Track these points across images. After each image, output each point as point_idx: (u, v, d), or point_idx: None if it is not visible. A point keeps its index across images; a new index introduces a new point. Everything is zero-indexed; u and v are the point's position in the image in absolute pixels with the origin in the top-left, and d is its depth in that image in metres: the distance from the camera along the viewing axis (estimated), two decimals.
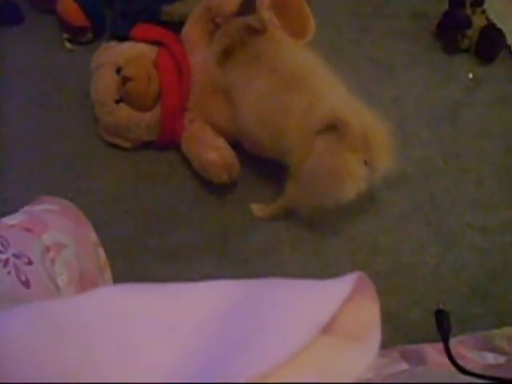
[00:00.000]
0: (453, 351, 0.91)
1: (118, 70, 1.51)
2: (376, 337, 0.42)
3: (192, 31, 1.55)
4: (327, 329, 0.40)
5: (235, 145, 1.48)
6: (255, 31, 1.37)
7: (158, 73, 1.50)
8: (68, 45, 1.84)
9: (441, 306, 1.22)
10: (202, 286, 0.48)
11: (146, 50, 1.55)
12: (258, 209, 1.48)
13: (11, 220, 0.86)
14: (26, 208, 0.97)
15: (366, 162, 1.24)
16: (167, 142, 1.56)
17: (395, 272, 1.41)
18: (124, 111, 1.51)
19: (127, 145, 1.57)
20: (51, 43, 1.85)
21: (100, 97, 1.52)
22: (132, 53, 1.54)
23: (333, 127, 1.21)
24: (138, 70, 1.48)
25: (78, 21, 1.78)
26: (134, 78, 1.48)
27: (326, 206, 1.29)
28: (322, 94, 1.27)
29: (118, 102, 1.51)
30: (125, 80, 1.48)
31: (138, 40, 1.57)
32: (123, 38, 1.60)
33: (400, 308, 1.35)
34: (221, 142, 1.46)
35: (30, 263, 0.75)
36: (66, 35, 1.83)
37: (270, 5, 1.41)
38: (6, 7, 1.88)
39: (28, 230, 0.82)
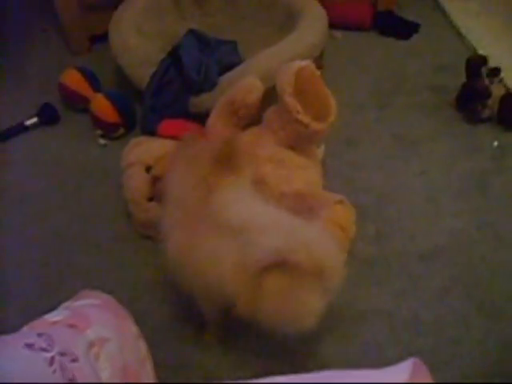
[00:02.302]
0: None
1: (148, 169, 1.55)
2: None
3: (215, 124, 1.57)
4: None
5: None
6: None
7: None
8: (101, 140, 1.93)
9: None
10: None
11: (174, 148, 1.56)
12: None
13: (54, 317, 0.87)
14: (67, 303, 0.98)
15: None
16: None
17: (439, 348, 1.36)
18: (157, 209, 1.52)
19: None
20: (85, 139, 1.95)
21: (133, 196, 1.56)
22: (160, 151, 1.57)
23: (279, 265, 1.10)
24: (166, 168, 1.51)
25: (109, 117, 1.88)
26: (164, 177, 1.49)
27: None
28: (258, 231, 1.14)
29: (150, 199, 1.55)
30: (155, 179, 1.52)
31: (164, 137, 1.61)
32: (153, 132, 1.66)
33: None
34: None
35: (75, 360, 0.76)
36: (99, 131, 1.93)
37: (292, 92, 1.45)
38: (44, 109, 2.00)
39: (72, 326, 0.83)
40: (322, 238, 1.16)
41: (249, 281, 1.13)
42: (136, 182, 1.55)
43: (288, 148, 1.51)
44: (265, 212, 1.21)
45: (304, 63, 1.49)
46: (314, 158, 1.59)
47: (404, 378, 0.41)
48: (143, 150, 1.60)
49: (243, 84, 1.56)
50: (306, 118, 1.44)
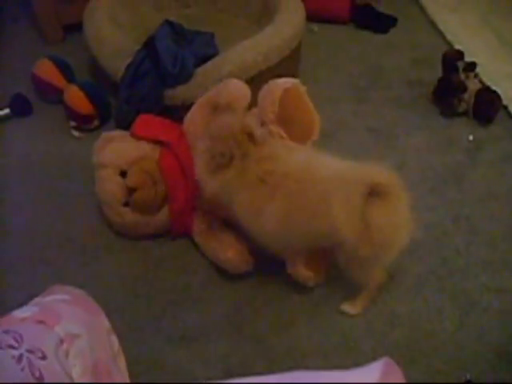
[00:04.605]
0: None
1: (123, 173, 1.50)
2: None
3: (195, 124, 1.52)
4: None
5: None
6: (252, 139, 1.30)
7: (162, 175, 1.49)
8: (75, 133, 1.89)
9: (468, 377, 1.17)
10: None
11: (148, 151, 1.52)
12: (351, 307, 1.42)
13: (23, 313, 0.85)
14: (37, 299, 0.96)
15: None
16: (179, 235, 1.58)
17: (414, 341, 1.37)
18: (131, 215, 1.51)
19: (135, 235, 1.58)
20: (59, 131, 1.92)
21: (107, 199, 1.52)
22: (134, 155, 1.52)
23: (372, 194, 1.20)
24: (142, 178, 1.47)
25: (84, 109, 1.85)
26: (139, 187, 1.47)
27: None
28: (346, 172, 1.26)
29: (125, 204, 1.51)
30: (130, 190, 1.48)
31: (139, 138, 1.54)
32: (128, 125, 1.62)
33: (422, 378, 1.30)
34: (234, 239, 1.46)
35: (43, 358, 0.74)
36: (72, 123, 1.89)
37: (276, 118, 1.39)
38: (16, 100, 1.96)
39: (41, 322, 0.81)
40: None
41: (356, 217, 1.20)
42: (110, 186, 1.51)
43: None
44: (331, 160, 1.32)
45: (289, 84, 1.42)
46: None
47: (375, 378, 0.40)
48: (117, 151, 1.53)
49: (229, 88, 1.48)
50: (290, 144, 1.40)
